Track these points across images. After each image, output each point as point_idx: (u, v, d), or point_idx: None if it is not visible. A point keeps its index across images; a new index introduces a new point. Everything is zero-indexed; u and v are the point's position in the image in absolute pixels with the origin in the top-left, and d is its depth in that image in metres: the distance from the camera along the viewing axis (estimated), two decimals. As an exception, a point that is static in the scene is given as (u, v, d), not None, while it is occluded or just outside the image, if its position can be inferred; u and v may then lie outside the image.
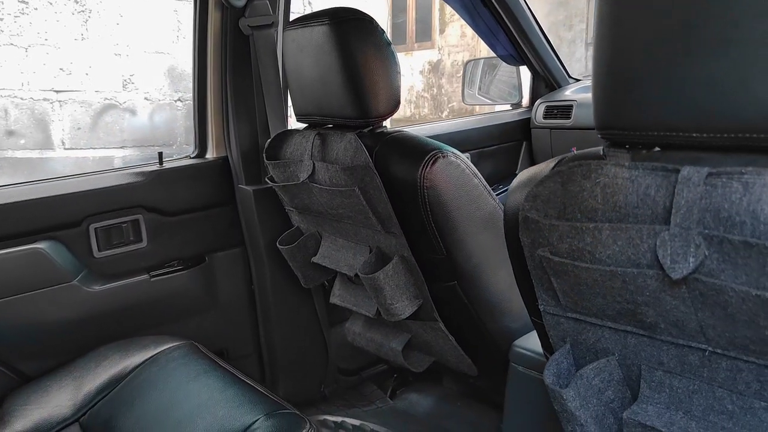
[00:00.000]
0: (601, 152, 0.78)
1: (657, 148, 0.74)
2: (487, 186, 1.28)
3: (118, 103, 4.05)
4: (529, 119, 2.34)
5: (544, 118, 2.26)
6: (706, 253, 0.65)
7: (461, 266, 1.32)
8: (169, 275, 1.60)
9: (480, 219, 1.28)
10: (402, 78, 1.36)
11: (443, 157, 1.24)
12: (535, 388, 1.27)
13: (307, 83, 1.37)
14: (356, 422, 1.67)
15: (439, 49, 10.19)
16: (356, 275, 1.41)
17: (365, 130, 1.33)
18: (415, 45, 10.48)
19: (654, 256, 0.70)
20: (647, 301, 0.74)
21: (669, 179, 0.69)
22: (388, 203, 1.26)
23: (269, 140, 1.52)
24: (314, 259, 1.54)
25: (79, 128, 3.98)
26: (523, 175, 0.92)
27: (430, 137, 1.34)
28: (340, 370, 1.93)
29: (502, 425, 1.40)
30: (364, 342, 1.62)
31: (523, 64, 2.36)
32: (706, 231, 0.65)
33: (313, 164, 1.39)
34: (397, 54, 1.34)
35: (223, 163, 1.70)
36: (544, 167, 0.88)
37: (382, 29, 1.30)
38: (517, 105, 2.47)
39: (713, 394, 0.74)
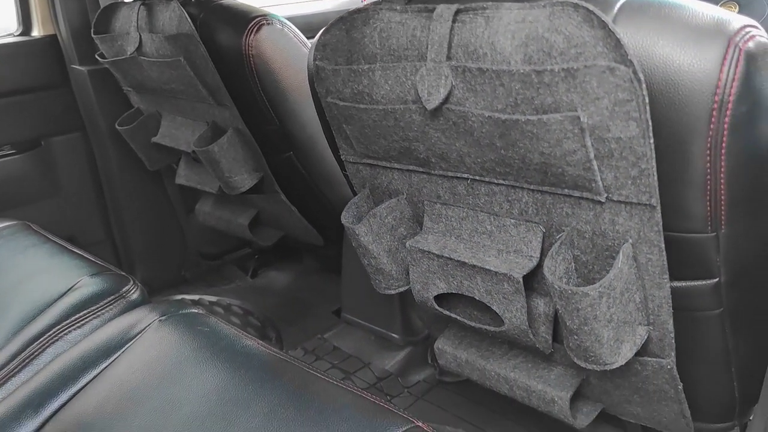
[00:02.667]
0: (380, -1, 0.82)
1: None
2: (313, 54, 1.30)
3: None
4: None
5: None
6: (454, 83, 0.72)
7: (296, 137, 1.36)
8: (1, 159, 1.54)
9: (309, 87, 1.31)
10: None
11: (268, 24, 1.24)
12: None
13: None
14: (213, 299, 1.73)
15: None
16: (195, 152, 1.42)
17: None
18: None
19: (416, 91, 0.76)
20: (417, 137, 0.81)
21: (428, 18, 0.75)
22: (216, 73, 1.26)
23: (97, 13, 1.45)
24: (154, 139, 1.53)
25: None
26: (321, 30, 0.95)
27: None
28: (202, 255, 1.96)
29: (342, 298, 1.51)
30: (214, 221, 1.66)
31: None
32: (454, 63, 0.72)
33: (140, 36, 1.35)
34: None
35: (51, 41, 1.61)
36: (341, 16, 0.91)
37: None
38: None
39: (477, 219, 0.84)
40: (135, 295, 1.03)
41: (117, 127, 1.55)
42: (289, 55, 1.27)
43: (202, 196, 1.69)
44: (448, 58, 0.73)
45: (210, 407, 0.75)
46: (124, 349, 0.89)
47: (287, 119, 1.32)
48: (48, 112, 1.62)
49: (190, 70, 1.27)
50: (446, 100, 0.73)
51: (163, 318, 0.92)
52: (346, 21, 0.83)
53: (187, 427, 0.74)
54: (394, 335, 1.42)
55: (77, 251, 1.17)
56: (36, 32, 1.61)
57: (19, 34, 1.62)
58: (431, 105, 0.74)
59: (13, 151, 1.57)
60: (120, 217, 1.75)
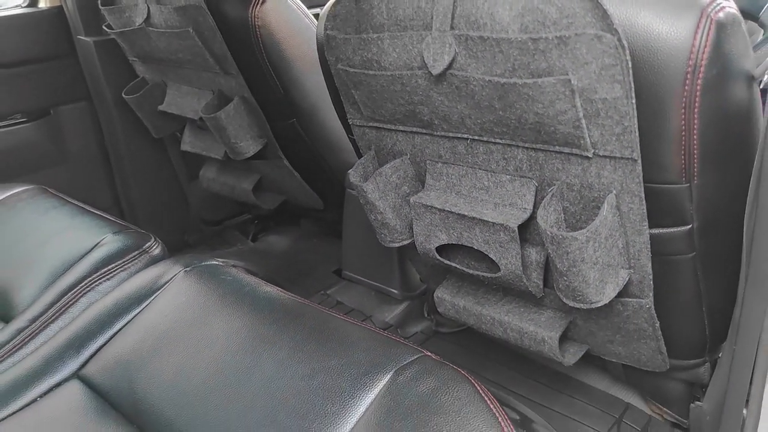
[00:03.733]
0: (386, -27, 0.89)
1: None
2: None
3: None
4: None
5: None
6: (457, 50, 0.80)
7: (299, 105, 1.43)
8: (11, 127, 1.59)
9: (315, 59, 1.38)
10: None
11: (272, -4, 1.30)
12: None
13: None
14: (218, 260, 1.81)
15: None
16: (202, 119, 1.49)
17: None
18: None
19: (422, 58, 0.84)
20: (421, 101, 0.89)
21: (433, -9, 0.82)
22: (223, 43, 1.32)
23: (103, -15, 1.50)
24: (161, 107, 1.59)
25: None
26: (329, 1, 1.02)
27: None
28: (204, 221, 2.04)
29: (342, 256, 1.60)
30: (218, 186, 1.73)
31: None
32: (457, 32, 0.79)
33: (148, 7, 1.40)
34: None
35: (58, 12, 1.65)
36: None
37: None
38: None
39: (475, 176, 0.93)
40: (157, 250, 1.11)
41: (123, 96, 1.60)
42: (294, 26, 1.33)
43: (206, 163, 1.76)
44: (452, 27, 0.80)
45: (239, 344, 0.84)
46: (154, 296, 0.97)
47: (291, 88, 1.39)
48: (55, 82, 1.68)
49: (198, 40, 1.33)
50: (450, 66, 0.81)
51: (188, 269, 1.00)
52: (355, -7, 0.90)
53: (219, 361, 0.82)
54: (393, 290, 1.52)
55: (97, 212, 1.25)
56: (42, 4, 1.66)
57: (26, 6, 1.66)
58: (436, 70, 0.82)
59: (24, 119, 1.63)
60: (126, 184, 1.81)
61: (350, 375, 0.75)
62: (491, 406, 0.71)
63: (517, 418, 1.15)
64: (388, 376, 0.74)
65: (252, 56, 1.34)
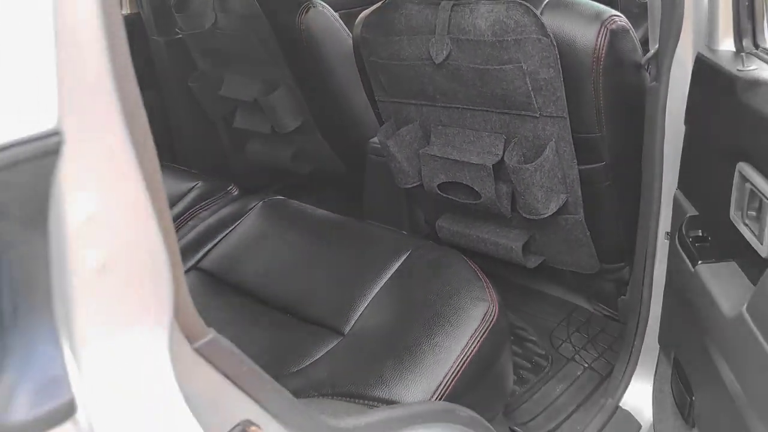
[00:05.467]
0: (404, -6, 1.32)
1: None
2: (346, 29, 1.79)
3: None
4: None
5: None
6: (451, 48, 1.23)
7: (331, 90, 1.86)
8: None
9: (344, 55, 1.80)
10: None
11: (314, 7, 1.73)
12: (384, 170, 1.86)
13: None
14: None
15: None
16: (255, 101, 1.91)
17: None
18: None
19: (428, 53, 1.27)
20: (427, 82, 1.32)
21: (436, 8, 1.25)
22: (276, 43, 1.75)
23: (176, -5, 1.93)
24: (221, 92, 2.02)
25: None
26: (363, 13, 1.44)
27: None
28: (245, 188, 2.46)
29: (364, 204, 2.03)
30: (262, 156, 2.15)
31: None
32: (452, 35, 1.22)
33: (215, 15, 1.83)
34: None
35: (136, 17, 2.08)
36: (375, 6, 1.40)
37: None
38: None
39: (464, 134, 1.36)
40: (236, 192, 1.55)
41: (190, 84, 2.03)
42: (329, 31, 1.76)
43: (251, 139, 2.19)
44: (448, 32, 1.23)
45: (306, 242, 1.27)
46: (243, 218, 1.40)
47: (326, 76, 1.82)
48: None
49: (256, 41, 1.76)
50: (447, 57, 1.24)
51: (266, 201, 1.43)
52: (382, 8, 1.34)
53: (294, 252, 1.26)
54: (403, 232, 1.95)
55: (184, 168, 1.68)
56: (124, 11, 2.09)
57: (112, 12, 2.09)
58: (438, 61, 1.25)
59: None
60: (185, 157, 2.24)
61: (383, 252, 1.18)
62: (475, 268, 1.15)
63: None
64: (408, 252, 1.18)
65: (297, 53, 1.77)
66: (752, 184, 0.80)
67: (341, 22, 1.80)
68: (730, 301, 0.81)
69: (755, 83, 0.84)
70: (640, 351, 1.35)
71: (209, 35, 1.87)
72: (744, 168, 0.83)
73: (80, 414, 0.36)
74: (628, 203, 1.33)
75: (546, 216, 1.30)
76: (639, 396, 1.34)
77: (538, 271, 1.60)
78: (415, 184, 1.49)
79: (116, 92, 0.42)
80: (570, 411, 1.38)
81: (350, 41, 1.79)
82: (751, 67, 0.88)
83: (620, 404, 1.36)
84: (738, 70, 0.89)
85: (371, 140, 1.88)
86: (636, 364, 1.36)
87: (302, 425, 0.59)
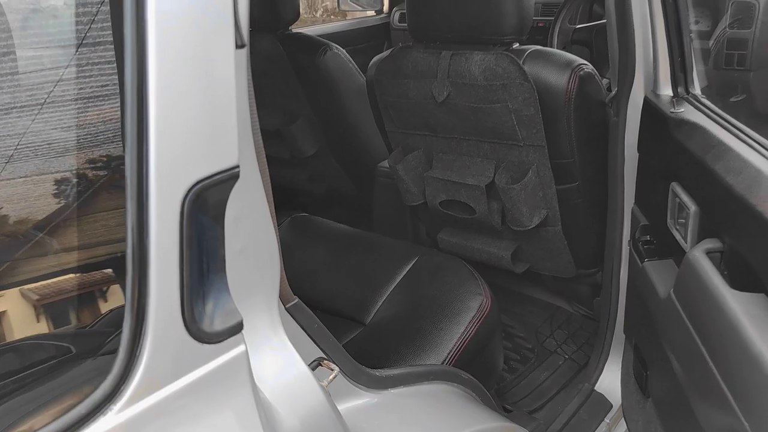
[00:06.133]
0: (411, 44, 1.60)
1: (438, 42, 1.55)
2: (357, 67, 2.07)
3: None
4: (388, 23, 3.12)
5: (399, 21, 3.05)
6: (451, 90, 1.50)
7: (347, 120, 2.12)
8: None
9: (357, 92, 2.07)
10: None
11: (330, 50, 2.01)
12: (390, 190, 2.13)
13: None
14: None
15: (311, -53, 10.46)
16: (278, 130, 2.18)
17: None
18: (287, -58, 10.64)
19: (431, 93, 1.54)
20: (430, 116, 1.59)
21: (438, 56, 1.52)
22: (297, 81, 2.02)
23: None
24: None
25: None
26: (376, 57, 1.71)
27: (318, 35, 2.09)
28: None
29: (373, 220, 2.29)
30: (280, 179, 2.41)
31: (382, -20, 3.09)
32: (451, 79, 1.49)
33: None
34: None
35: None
36: (386, 53, 1.67)
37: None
38: (379, 11, 3.22)
39: (461, 160, 1.62)
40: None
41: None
42: (343, 70, 2.03)
43: (271, 164, 2.44)
44: (448, 77, 1.50)
45: (331, 250, 1.53)
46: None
47: (341, 109, 2.09)
48: None
49: (280, 78, 2.03)
50: (447, 97, 1.51)
51: (294, 217, 1.69)
52: (393, 56, 1.61)
53: (321, 260, 1.51)
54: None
55: None
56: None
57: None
58: (439, 100, 1.52)
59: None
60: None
61: (395, 258, 1.44)
62: (472, 270, 1.40)
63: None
64: (415, 259, 1.44)
65: (315, 89, 2.04)
66: (680, 198, 1.06)
67: (353, 62, 2.07)
68: (665, 287, 1.07)
69: (682, 122, 1.11)
70: (611, 343, 1.60)
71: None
72: (675, 187, 1.09)
73: (246, 330, 0.61)
74: (598, 217, 1.59)
75: (530, 228, 1.56)
76: (610, 380, 1.59)
77: (526, 277, 1.86)
78: (419, 202, 1.75)
79: (253, 138, 0.68)
80: (552, 394, 1.62)
81: (361, 79, 2.07)
82: (681, 110, 1.15)
83: (595, 388, 1.61)
84: (671, 111, 1.15)
85: (379, 164, 2.15)
86: (608, 353, 1.61)
87: (349, 368, 0.84)
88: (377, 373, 0.91)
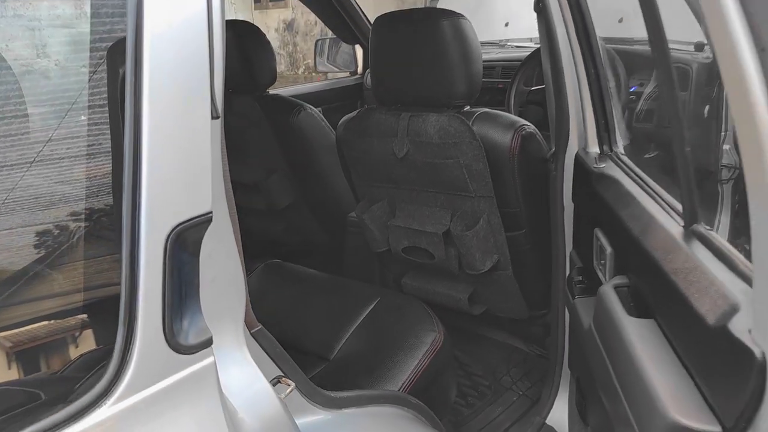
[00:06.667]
0: (375, 106, 1.78)
1: (399, 104, 1.74)
2: (329, 125, 2.24)
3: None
4: (362, 83, 3.34)
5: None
6: (410, 147, 1.67)
7: (318, 174, 2.29)
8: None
9: (328, 148, 2.24)
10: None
11: (304, 110, 2.19)
12: (359, 239, 2.28)
13: None
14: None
15: (293, 8, 10.89)
16: (255, 183, 2.34)
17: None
18: (270, 4, 11.10)
19: (392, 150, 1.71)
20: (392, 170, 1.75)
21: (398, 117, 1.70)
22: (273, 138, 2.19)
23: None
24: (224, 176, 2.44)
25: None
26: (344, 117, 1.89)
27: (293, 96, 2.27)
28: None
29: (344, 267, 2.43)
30: (256, 230, 2.56)
31: (356, 43, 3.33)
32: (410, 138, 1.67)
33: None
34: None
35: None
36: (353, 114, 1.84)
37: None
38: (354, 72, 3.44)
39: (421, 209, 1.78)
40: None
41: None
42: (316, 128, 2.21)
43: (248, 215, 2.59)
44: (407, 135, 1.68)
45: (300, 293, 1.66)
46: (249, 275, 1.79)
47: (314, 164, 2.26)
48: None
49: (258, 136, 2.20)
50: (406, 154, 1.68)
51: (267, 263, 1.83)
52: (359, 116, 1.79)
53: (291, 301, 1.65)
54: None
55: None
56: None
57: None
58: (400, 156, 1.69)
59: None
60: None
61: (358, 299, 1.58)
62: (428, 310, 1.54)
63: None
64: (377, 299, 1.58)
65: (290, 146, 2.21)
66: (601, 242, 1.23)
67: (325, 120, 2.25)
68: (588, 319, 1.22)
69: (602, 176, 1.28)
70: (560, 378, 1.73)
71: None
72: (597, 232, 1.26)
73: (214, 346, 0.75)
74: (545, 261, 1.75)
75: (484, 272, 1.71)
76: (560, 413, 1.72)
77: (484, 319, 2.00)
78: (384, 249, 1.90)
79: (224, 189, 0.83)
80: (506, 427, 1.75)
81: (332, 136, 2.24)
82: (602, 165, 1.33)
83: (546, 421, 1.73)
84: (594, 167, 1.33)
85: (349, 215, 2.30)
86: (558, 388, 1.74)
87: (306, 388, 0.98)
88: (332, 394, 1.03)
